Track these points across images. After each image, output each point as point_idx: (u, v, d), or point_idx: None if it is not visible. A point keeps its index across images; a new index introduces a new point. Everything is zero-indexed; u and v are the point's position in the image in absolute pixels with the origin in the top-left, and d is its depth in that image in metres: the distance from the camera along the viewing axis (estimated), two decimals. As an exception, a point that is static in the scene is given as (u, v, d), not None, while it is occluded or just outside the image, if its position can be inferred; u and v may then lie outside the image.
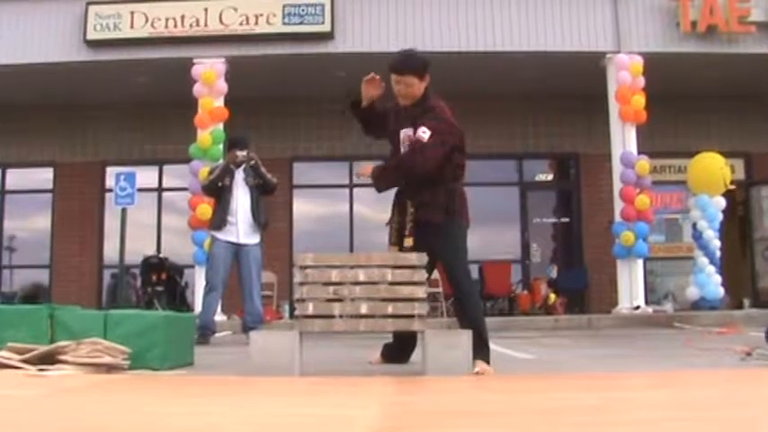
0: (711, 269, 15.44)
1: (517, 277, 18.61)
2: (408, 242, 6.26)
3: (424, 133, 6.15)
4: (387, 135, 6.63)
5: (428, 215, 6.26)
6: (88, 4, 15.54)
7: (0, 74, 16.04)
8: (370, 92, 6.54)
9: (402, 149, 6.35)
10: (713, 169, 15.66)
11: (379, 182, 6.34)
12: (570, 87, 17.06)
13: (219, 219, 10.40)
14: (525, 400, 4.54)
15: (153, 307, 15.99)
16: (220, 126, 15.24)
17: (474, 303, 6.40)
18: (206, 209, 13.68)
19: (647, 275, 16.56)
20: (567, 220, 19.62)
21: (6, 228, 19.41)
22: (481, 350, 6.01)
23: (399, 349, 6.77)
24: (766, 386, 5.20)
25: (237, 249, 10.36)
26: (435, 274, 8.01)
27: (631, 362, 7.60)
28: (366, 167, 6.36)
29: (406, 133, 6.34)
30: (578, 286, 17.97)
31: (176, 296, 17.15)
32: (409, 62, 6.43)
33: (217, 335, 10.87)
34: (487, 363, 6.02)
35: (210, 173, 10.78)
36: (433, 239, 6.23)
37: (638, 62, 15.27)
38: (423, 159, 6.15)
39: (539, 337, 11.70)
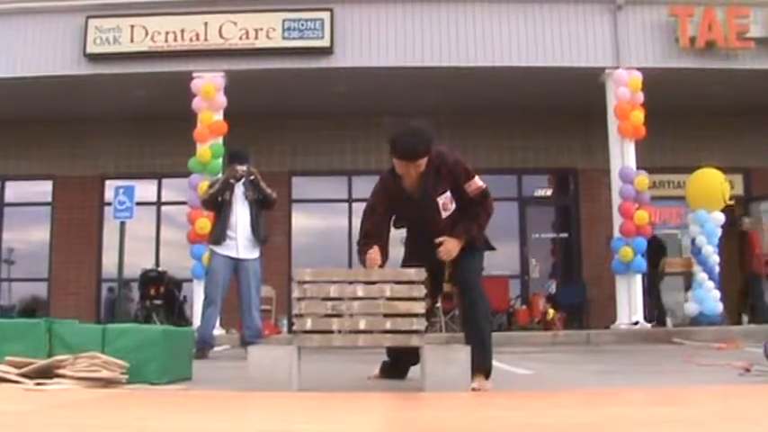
0: (710, 284, 15.43)
1: (516, 292, 18.60)
2: (449, 287, 6.33)
3: (479, 180, 6.27)
4: (403, 223, 6.59)
5: (476, 244, 6.35)
6: (88, 17, 15.57)
7: (0, 86, 16.08)
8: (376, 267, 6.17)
9: (443, 213, 6.25)
10: (712, 185, 15.67)
11: (480, 241, 6.41)
12: (569, 102, 17.07)
13: (219, 233, 10.38)
14: (523, 417, 4.53)
15: (151, 321, 15.98)
16: (219, 140, 15.23)
17: (487, 321, 6.37)
18: (205, 223, 13.68)
19: (645, 291, 16.53)
20: (565, 235, 19.62)
21: (5, 240, 19.39)
22: (483, 366, 6.00)
23: (397, 365, 6.76)
24: (765, 402, 5.20)
25: (237, 264, 10.33)
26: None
27: (630, 377, 7.59)
28: (453, 252, 6.18)
29: (445, 197, 6.23)
30: (577, 302, 17.94)
31: (175, 310, 17.14)
32: (423, 147, 6.08)
33: (215, 349, 10.84)
34: (487, 378, 6.01)
35: (210, 187, 10.75)
36: (462, 259, 6.24)
37: (637, 77, 15.28)
38: (491, 199, 6.37)
39: (537, 352, 11.69)
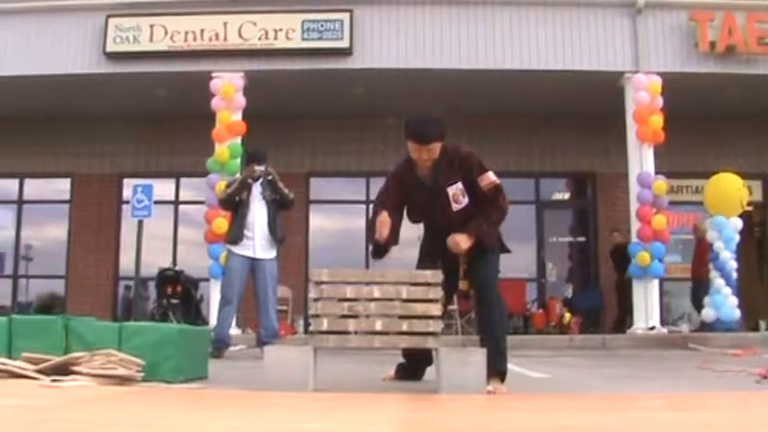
0: (728, 290, 15.33)
1: (532, 296, 18.56)
2: (464, 285, 6.30)
3: (493, 175, 6.26)
4: (417, 215, 6.60)
5: (487, 242, 6.30)
6: (108, 16, 15.63)
7: (20, 85, 16.16)
8: (385, 232, 6.24)
9: (454, 206, 6.27)
10: (730, 190, 15.57)
11: (491, 239, 6.33)
12: (588, 106, 17.02)
13: (236, 233, 10.39)
14: (538, 420, 4.52)
15: (168, 319, 16.01)
16: (238, 140, 15.27)
17: (503, 325, 6.37)
18: (222, 222, 13.70)
19: (662, 296, 16.47)
20: (583, 239, 19.57)
21: (23, 237, 19.48)
22: (498, 369, 5.99)
23: (413, 366, 6.76)
24: (782, 409, 5.17)
25: (253, 264, 10.34)
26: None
27: (645, 383, 7.57)
28: (462, 244, 6.17)
29: (456, 188, 6.26)
30: (593, 306, 17.88)
31: (191, 309, 17.16)
32: (435, 131, 6.20)
33: (231, 348, 10.86)
34: (502, 381, 6.01)
35: (228, 186, 10.77)
36: (478, 261, 6.25)
37: (657, 82, 15.24)
38: (506, 197, 6.34)
39: (553, 356, 11.67)
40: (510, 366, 6.27)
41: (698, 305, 16.33)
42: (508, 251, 6.53)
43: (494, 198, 6.26)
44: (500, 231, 6.49)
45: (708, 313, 15.41)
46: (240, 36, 15.51)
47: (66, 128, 18.84)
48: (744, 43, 15.32)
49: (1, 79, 15.85)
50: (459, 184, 6.25)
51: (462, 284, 6.31)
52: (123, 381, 5.73)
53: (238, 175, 11.75)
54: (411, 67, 15.62)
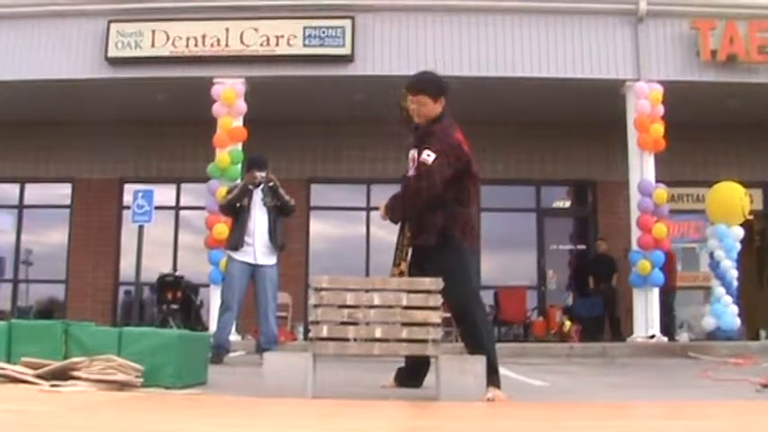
0: (728, 299, 15.34)
1: (533, 303, 18.53)
2: (402, 267, 6.25)
3: (429, 156, 6.10)
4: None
5: (423, 240, 6.23)
6: (110, 21, 15.62)
7: (21, 89, 16.14)
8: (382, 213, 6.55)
9: (409, 170, 6.36)
10: (732, 199, 15.58)
11: (393, 213, 6.34)
12: (589, 114, 17.02)
13: (236, 239, 10.40)
14: (537, 428, 4.52)
15: (168, 325, 15.98)
16: (239, 146, 15.27)
17: (481, 328, 6.31)
18: (222, 228, 13.68)
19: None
20: (583, 247, 19.56)
21: (23, 242, 19.47)
22: (491, 376, 5.96)
23: (413, 373, 6.74)
24: (782, 419, 5.16)
25: (254, 270, 10.34)
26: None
27: (646, 391, 7.56)
28: (381, 208, 6.40)
29: (411, 154, 6.36)
30: (594, 314, 17.86)
31: (191, 315, 17.15)
32: (423, 83, 6.48)
33: (231, 354, 10.86)
34: (498, 388, 5.98)
35: (229, 192, 10.78)
36: (431, 264, 6.16)
37: (658, 90, 15.23)
38: (429, 183, 6.11)
39: (553, 364, 11.66)
40: (509, 374, 6.28)
41: (667, 314, 16.39)
42: (462, 246, 6.31)
43: (416, 174, 6.20)
44: (462, 227, 6.32)
45: (708, 322, 15.42)
46: (242, 42, 15.50)
47: (68, 133, 18.84)
48: (745, 52, 15.31)
49: (2, 84, 15.84)
50: (415, 152, 6.31)
51: (402, 266, 6.26)
52: (122, 386, 5.73)
53: (239, 181, 11.74)
54: (412, 74, 15.57)
